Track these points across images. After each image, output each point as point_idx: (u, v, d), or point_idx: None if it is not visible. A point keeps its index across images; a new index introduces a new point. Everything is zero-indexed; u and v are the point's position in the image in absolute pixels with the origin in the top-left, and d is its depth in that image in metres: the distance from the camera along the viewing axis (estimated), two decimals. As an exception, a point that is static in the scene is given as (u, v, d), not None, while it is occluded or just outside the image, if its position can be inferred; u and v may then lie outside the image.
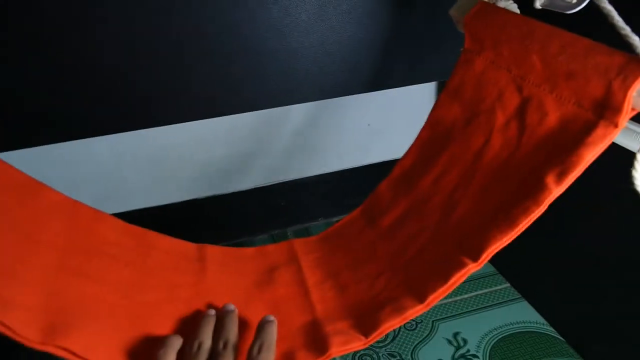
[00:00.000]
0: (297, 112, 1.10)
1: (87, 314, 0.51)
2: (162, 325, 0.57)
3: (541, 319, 0.93)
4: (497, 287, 1.02)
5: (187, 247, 0.73)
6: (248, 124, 1.09)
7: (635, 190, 0.49)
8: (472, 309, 0.95)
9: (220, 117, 0.93)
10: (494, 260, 1.10)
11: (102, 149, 1.03)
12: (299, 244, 0.78)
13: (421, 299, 0.57)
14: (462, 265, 0.54)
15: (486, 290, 1.01)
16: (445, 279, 0.56)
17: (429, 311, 0.59)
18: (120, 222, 0.67)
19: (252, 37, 0.81)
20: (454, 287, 0.56)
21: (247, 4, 0.78)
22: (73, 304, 0.51)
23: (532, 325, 0.92)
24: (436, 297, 0.57)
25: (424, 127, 0.71)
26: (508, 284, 1.02)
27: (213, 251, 0.74)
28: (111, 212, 0.68)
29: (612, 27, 0.45)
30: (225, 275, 0.71)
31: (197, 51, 0.80)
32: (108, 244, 0.62)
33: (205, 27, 0.78)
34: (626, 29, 0.44)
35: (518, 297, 0.99)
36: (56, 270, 0.53)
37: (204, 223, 1.21)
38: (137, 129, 0.88)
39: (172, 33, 0.77)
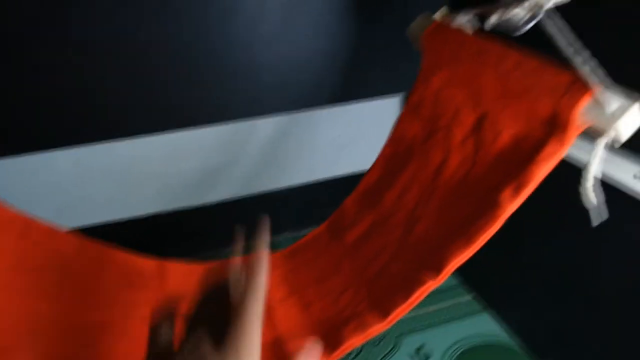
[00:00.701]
0: (265, 125, 1.10)
1: (33, 334, 0.49)
2: (115, 344, 0.55)
3: (505, 331, 0.94)
4: (461, 299, 1.03)
5: (146, 264, 0.71)
6: (214, 137, 1.08)
7: (584, 205, 0.50)
8: (436, 321, 0.96)
9: (186, 130, 0.92)
10: (458, 272, 1.12)
11: (64, 161, 1.00)
12: (263, 259, 0.77)
13: (384, 315, 0.58)
14: (423, 282, 0.55)
15: (451, 303, 1.01)
16: (407, 295, 0.56)
17: (393, 325, 0.59)
18: (76, 238, 0.65)
19: (217, 50, 0.80)
20: (416, 303, 0.57)
21: (211, 18, 0.78)
22: (19, 324, 0.49)
23: (496, 337, 0.93)
24: (399, 314, 0.57)
25: (387, 143, 0.71)
26: (472, 296, 1.03)
27: (174, 267, 0.73)
28: (73, 227, 0.66)
29: (557, 49, 0.46)
30: (191, 288, 0.70)
31: (161, 64, 0.79)
32: (62, 260, 0.61)
33: (170, 40, 0.78)
34: (570, 50, 0.46)
35: (482, 308, 1.00)
36: (2, 289, 0.51)
37: (170, 237, 1.19)
38: (100, 141, 0.87)
39: (136, 45, 0.77)
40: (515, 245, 0.88)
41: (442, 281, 0.55)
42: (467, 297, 1.04)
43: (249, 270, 0.40)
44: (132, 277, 0.66)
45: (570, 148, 0.64)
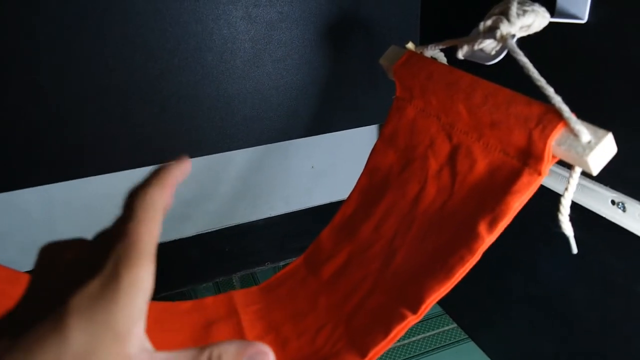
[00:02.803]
0: (240, 156, 1.08)
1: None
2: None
3: None
4: (444, 328, 1.01)
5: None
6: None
7: (562, 233, 0.50)
8: (419, 352, 0.94)
9: (158, 165, 0.90)
10: (442, 301, 1.10)
11: (31, 197, 0.97)
12: (239, 295, 0.75)
13: (362, 353, 0.56)
14: (402, 318, 0.53)
15: (433, 332, 1.00)
16: (386, 331, 0.54)
17: (378, 355, 0.58)
18: (15, 273, 0.62)
19: (187, 83, 0.79)
20: (395, 339, 0.55)
21: (181, 51, 0.76)
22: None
23: (480, 366, 0.92)
24: (378, 352, 0.55)
25: (362, 174, 0.70)
26: (455, 325, 1.01)
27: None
28: None
29: (529, 79, 0.46)
30: (158, 332, 0.66)
31: (132, 98, 0.78)
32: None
33: (139, 74, 0.76)
34: (541, 81, 0.46)
35: (465, 337, 0.98)
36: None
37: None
38: (68, 180, 0.84)
39: (103, 80, 0.75)
40: (497, 275, 0.87)
41: (421, 316, 0.53)
42: (451, 326, 1.02)
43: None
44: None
45: (552, 176, 0.64)
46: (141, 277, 0.21)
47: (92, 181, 0.89)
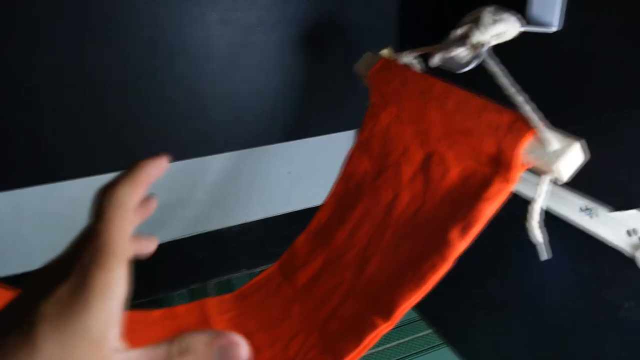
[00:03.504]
0: (216, 161, 1.07)
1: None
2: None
3: (464, 365, 0.93)
4: (420, 334, 1.01)
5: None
6: (164, 174, 1.05)
7: (531, 240, 0.50)
8: (396, 358, 0.94)
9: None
10: (418, 307, 1.11)
11: (0, 205, 0.94)
12: (212, 303, 0.74)
13: (335, 362, 0.55)
14: (374, 326, 0.53)
15: (410, 338, 1.00)
16: (359, 339, 0.54)
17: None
18: (5, 291, 0.60)
19: (161, 87, 0.78)
20: (369, 347, 0.55)
21: (155, 54, 0.75)
22: None
23: (456, 371, 0.92)
24: (351, 359, 0.55)
25: (337, 181, 0.70)
26: (431, 330, 1.02)
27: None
28: (8, 274, 0.61)
29: (499, 87, 0.47)
30: (128, 342, 0.65)
31: (104, 102, 0.76)
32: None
33: (112, 78, 0.75)
34: (511, 89, 0.46)
35: (441, 343, 0.99)
36: None
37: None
38: (39, 185, 0.82)
39: (75, 84, 0.73)
40: (472, 280, 0.87)
41: (394, 324, 0.53)
42: (426, 332, 1.02)
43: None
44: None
45: (522, 183, 0.65)
46: (113, 280, 0.19)
47: (63, 186, 0.87)
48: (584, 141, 0.43)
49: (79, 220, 0.23)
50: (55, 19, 0.68)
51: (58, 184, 0.82)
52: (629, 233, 0.56)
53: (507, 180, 0.47)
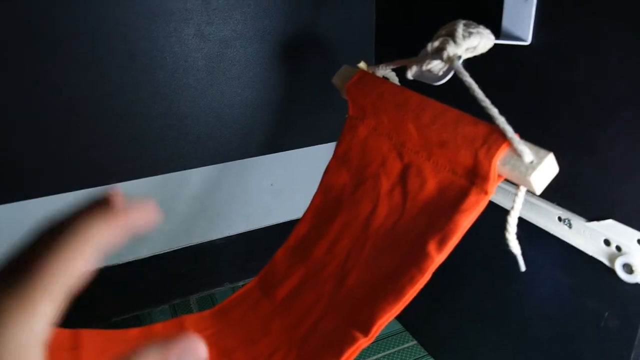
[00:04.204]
0: (197, 175, 1.06)
1: None
2: None
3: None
4: (404, 345, 1.00)
5: (59, 334, 0.64)
6: (142, 189, 1.03)
7: (510, 251, 0.50)
8: (380, 371, 0.93)
9: (110, 185, 0.86)
10: (401, 318, 1.10)
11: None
12: (190, 320, 0.72)
13: (315, 378, 0.54)
14: (353, 340, 0.52)
15: (394, 350, 0.99)
16: (337, 355, 0.53)
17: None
18: None
19: (138, 101, 0.77)
20: (349, 362, 0.54)
21: (131, 68, 0.74)
22: None
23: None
24: (330, 376, 0.54)
25: (316, 194, 0.70)
26: (415, 342, 1.01)
27: (90, 336, 0.66)
28: None
29: (475, 99, 0.47)
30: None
31: (79, 117, 0.75)
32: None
33: (87, 92, 0.73)
34: (486, 101, 0.46)
35: (425, 354, 0.98)
36: None
37: (97, 296, 1.10)
38: (8, 203, 0.79)
39: (48, 98, 0.72)
40: (454, 291, 0.87)
41: (373, 338, 0.52)
42: (411, 343, 1.02)
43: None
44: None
45: (502, 194, 0.65)
46: (33, 319, 0.17)
47: (37, 203, 0.85)
48: (557, 153, 0.43)
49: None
50: (26, 33, 0.67)
51: (31, 201, 0.80)
52: (606, 242, 0.56)
53: (483, 191, 0.47)
